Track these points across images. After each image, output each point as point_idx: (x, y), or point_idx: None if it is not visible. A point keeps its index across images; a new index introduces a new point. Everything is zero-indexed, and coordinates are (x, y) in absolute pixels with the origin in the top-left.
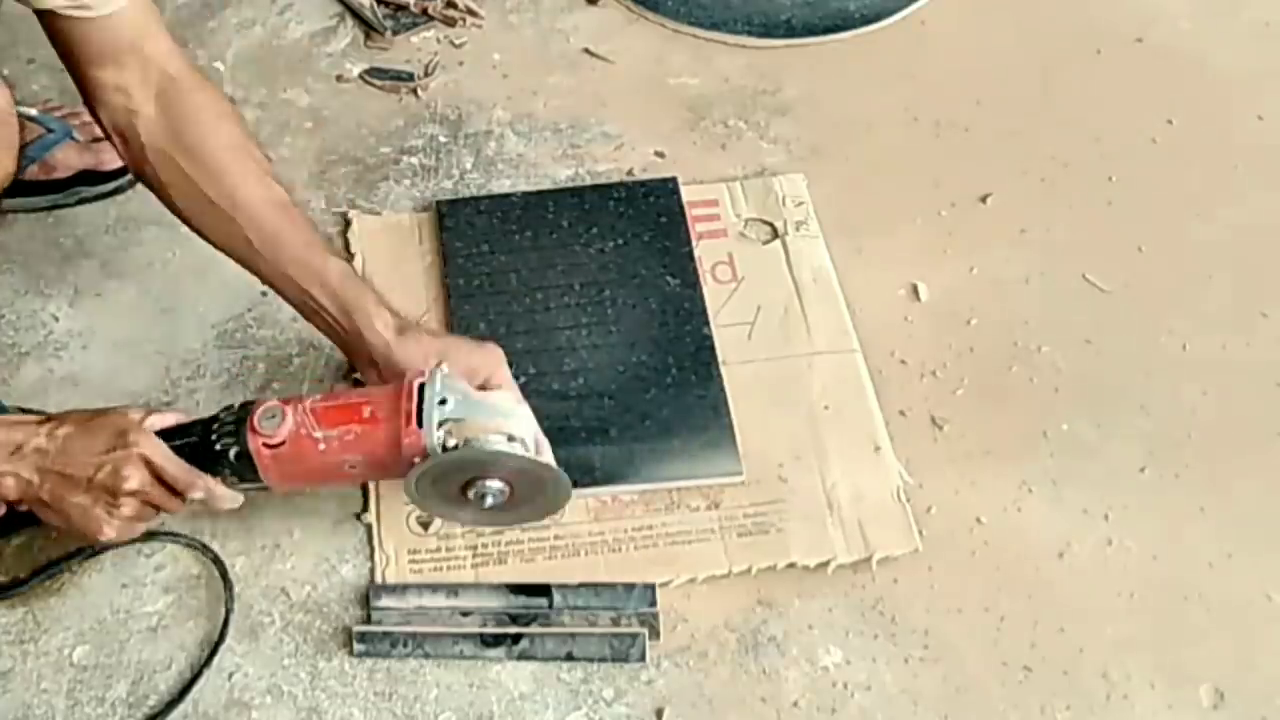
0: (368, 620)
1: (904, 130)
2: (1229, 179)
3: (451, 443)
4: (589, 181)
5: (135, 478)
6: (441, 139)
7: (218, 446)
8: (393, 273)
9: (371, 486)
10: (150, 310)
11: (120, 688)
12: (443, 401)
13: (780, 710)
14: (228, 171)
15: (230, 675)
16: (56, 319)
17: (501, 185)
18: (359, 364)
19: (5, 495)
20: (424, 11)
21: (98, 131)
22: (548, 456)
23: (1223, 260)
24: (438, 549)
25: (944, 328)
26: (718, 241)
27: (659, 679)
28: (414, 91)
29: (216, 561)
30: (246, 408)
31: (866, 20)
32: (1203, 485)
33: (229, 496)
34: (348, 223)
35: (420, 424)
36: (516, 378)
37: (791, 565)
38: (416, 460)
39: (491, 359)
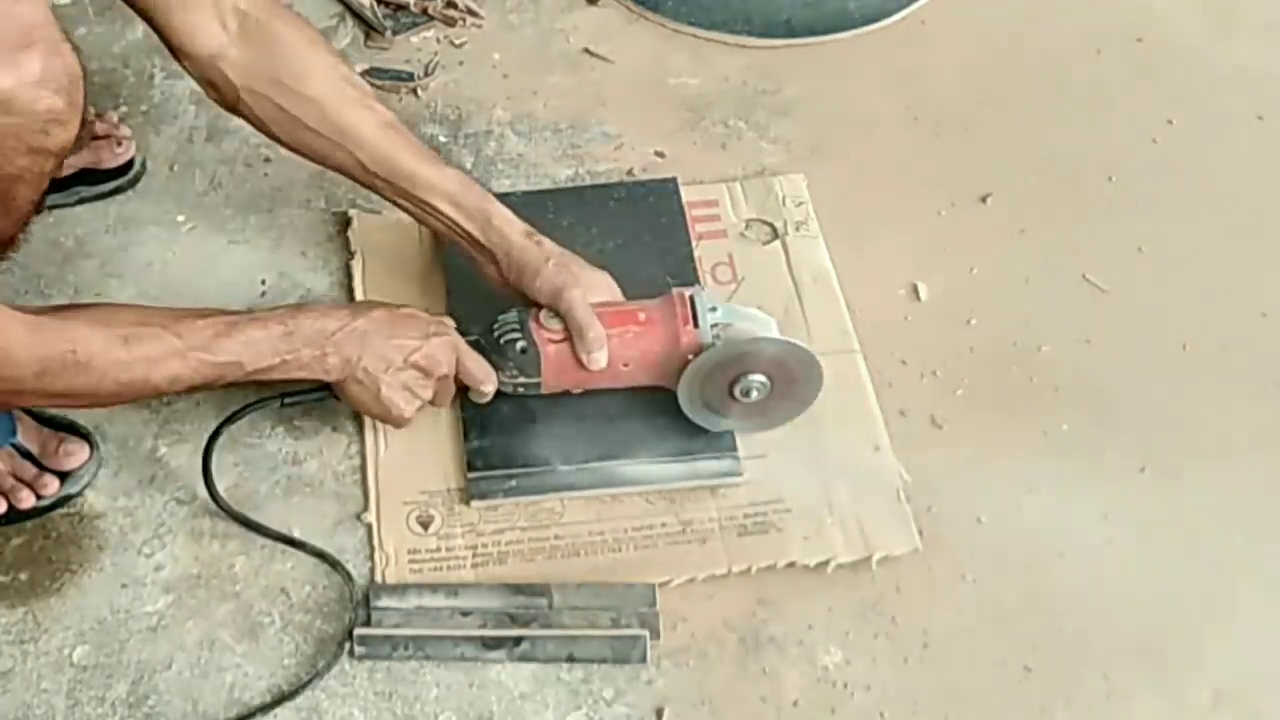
0: (368, 621)
1: (904, 130)
2: (1229, 179)
3: (719, 343)
4: (589, 181)
5: (447, 363)
6: (441, 139)
7: (503, 340)
8: (393, 273)
9: (372, 487)
10: None
11: (120, 688)
12: (713, 309)
13: (780, 710)
14: (327, 101)
15: (230, 676)
16: None
17: (501, 185)
18: (481, 262)
19: (329, 374)
20: (424, 11)
21: (97, 129)
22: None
23: (1223, 260)
24: (438, 549)
25: (944, 328)
26: (718, 242)
27: (659, 679)
28: (414, 91)
29: (348, 579)
30: (526, 310)
31: (866, 20)
32: (1202, 485)
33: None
34: (348, 223)
35: (696, 324)
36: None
37: (791, 565)
38: (691, 358)
39: (607, 281)
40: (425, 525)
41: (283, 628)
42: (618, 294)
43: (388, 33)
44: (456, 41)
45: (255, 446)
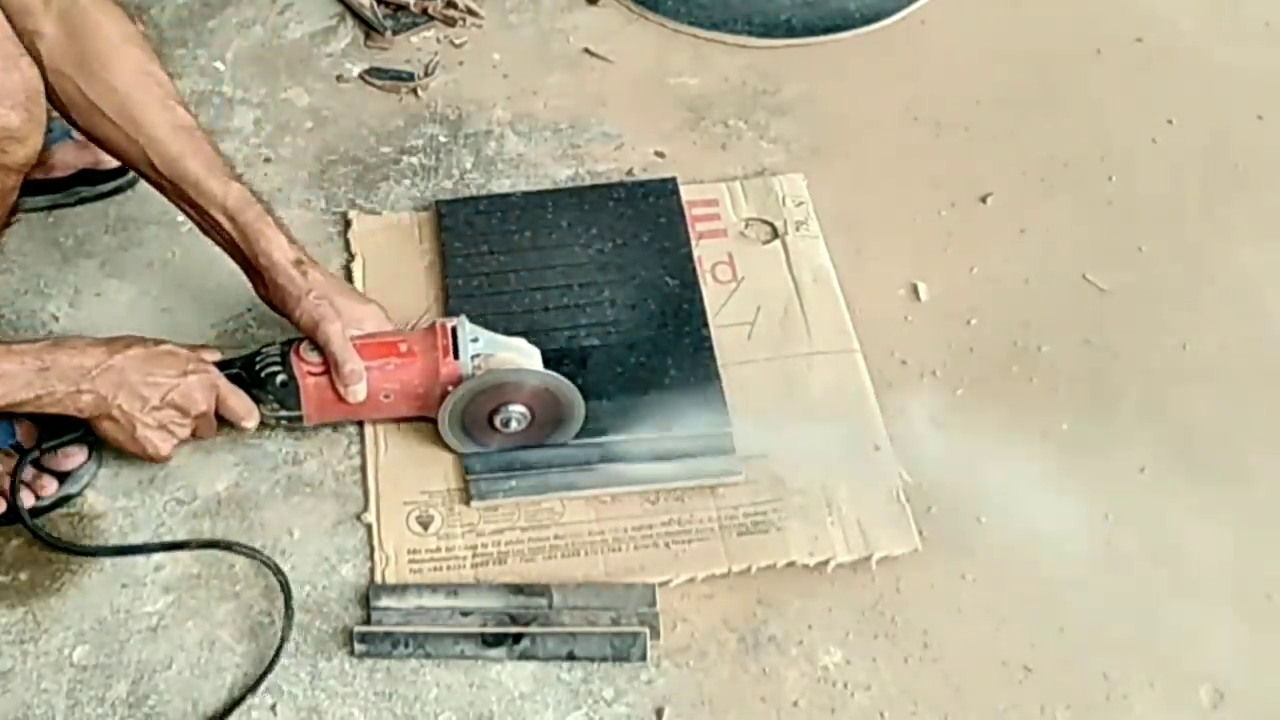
0: (368, 620)
1: (904, 130)
2: (1229, 179)
3: (478, 374)
4: (589, 181)
5: (204, 401)
6: (441, 139)
7: (264, 374)
8: (393, 273)
9: (372, 487)
10: (150, 310)
11: (120, 688)
12: (474, 340)
13: (780, 710)
14: (130, 96)
15: (230, 675)
16: (56, 319)
17: (501, 185)
18: (253, 282)
19: (82, 412)
20: (424, 11)
21: None
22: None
23: (1222, 260)
24: (437, 549)
25: (944, 328)
26: (718, 241)
27: (659, 679)
28: (414, 91)
29: (284, 586)
30: (289, 343)
31: (866, 20)
32: (1203, 485)
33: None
34: (348, 223)
35: (456, 355)
36: None
37: (791, 564)
38: (450, 388)
39: (375, 313)
40: (425, 525)
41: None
42: (386, 326)
43: (388, 33)
44: (456, 41)
45: (255, 446)
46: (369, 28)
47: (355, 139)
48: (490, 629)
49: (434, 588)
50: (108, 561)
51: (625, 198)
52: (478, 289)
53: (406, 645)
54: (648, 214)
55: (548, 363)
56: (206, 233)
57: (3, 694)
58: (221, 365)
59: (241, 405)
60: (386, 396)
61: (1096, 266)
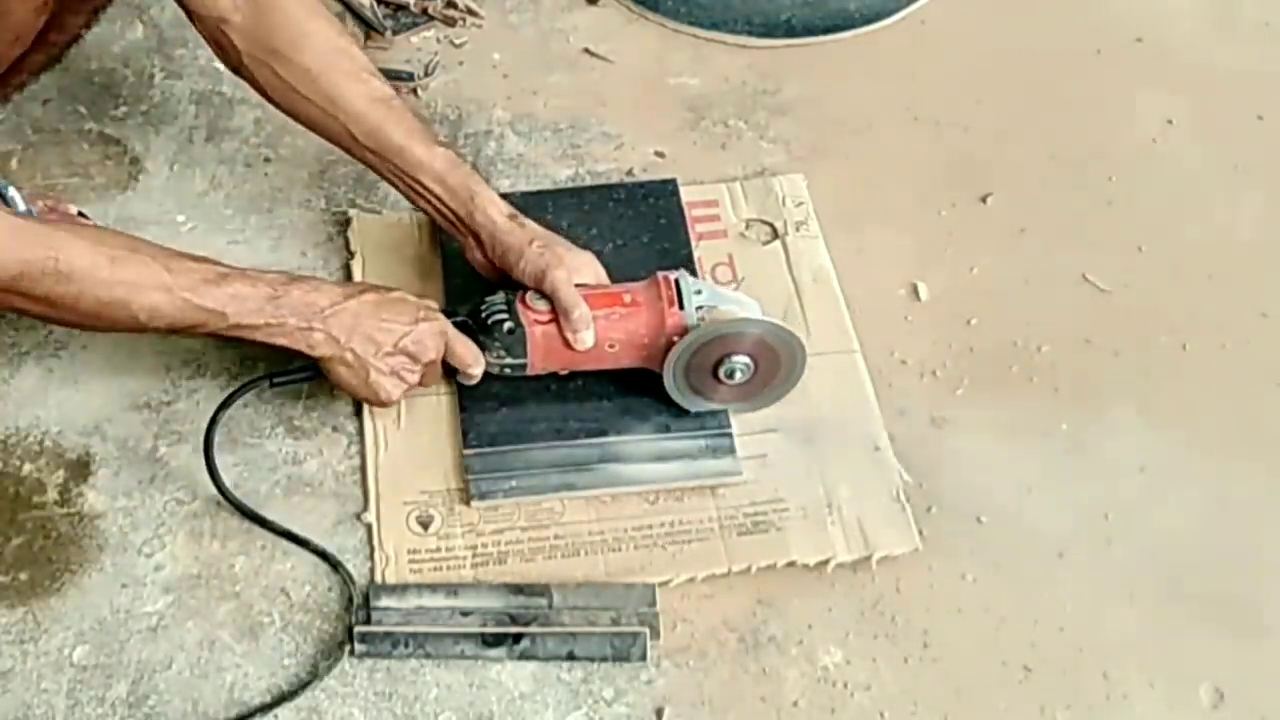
0: (368, 620)
1: (904, 130)
2: (1229, 179)
3: (703, 325)
4: (589, 181)
5: (435, 348)
6: (441, 139)
7: (491, 321)
8: (393, 273)
9: (372, 487)
10: None
11: (120, 688)
12: (698, 292)
13: (780, 710)
14: (324, 73)
15: (230, 675)
16: None
17: (501, 185)
18: (465, 243)
19: (313, 350)
20: (424, 11)
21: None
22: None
23: (1223, 260)
24: (437, 549)
25: (944, 328)
26: (718, 242)
27: (659, 679)
28: (414, 91)
29: (349, 580)
30: (513, 293)
31: (866, 20)
32: (1203, 485)
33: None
34: (348, 222)
35: (681, 306)
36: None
37: (791, 564)
38: (675, 339)
39: (591, 262)
40: (425, 525)
41: (283, 628)
42: (602, 276)
43: (388, 33)
44: (456, 41)
45: (255, 446)
46: (369, 28)
47: None
48: (490, 629)
49: (434, 588)
50: (108, 561)
51: (626, 198)
52: (477, 290)
53: (406, 645)
54: (648, 215)
55: (544, 376)
56: (414, 200)
57: (3, 694)
58: (446, 314)
59: (469, 352)
60: (612, 346)
61: (1096, 266)
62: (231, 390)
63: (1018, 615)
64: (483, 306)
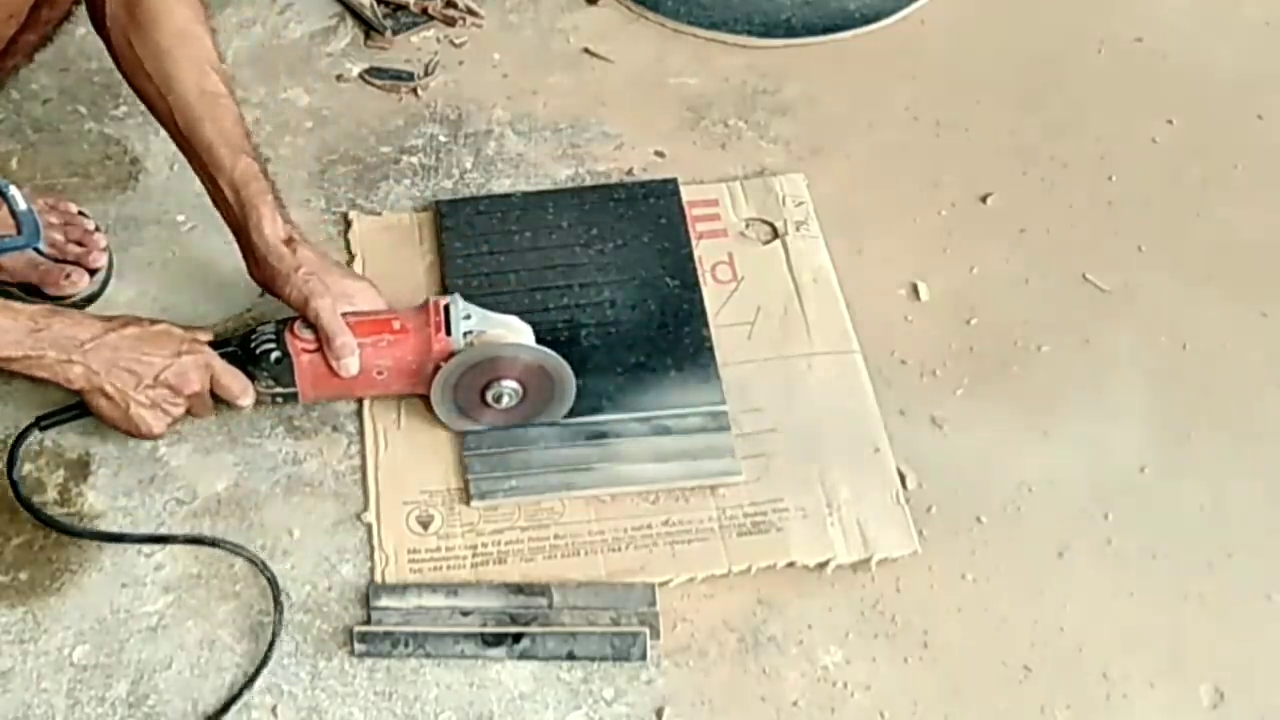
0: (368, 620)
1: (904, 130)
2: (1229, 179)
3: (470, 349)
4: (589, 181)
5: (199, 380)
6: (441, 139)
7: (259, 351)
8: (393, 273)
9: (372, 486)
10: (150, 310)
11: (120, 688)
12: (467, 316)
13: (780, 710)
14: (169, 52)
15: (230, 675)
16: None
17: (501, 185)
18: (245, 257)
19: (71, 384)
20: (424, 11)
21: (72, 251)
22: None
23: (1223, 260)
24: (437, 548)
25: (944, 328)
26: (718, 241)
27: (659, 679)
28: (414, 91)
29: (272, 582)
30: (283, 322)
31: (866, 20)
32: (1203, 485)
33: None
34: (348, 223)
35: (449, 332)
36: None
37: (791, 565)
38: (442, 364)
39: (365, 289)
40: (425, 525)
41: (283, 627)
42: (379, 303)
43: (388, 33)
44: (456, 41)
45: (255, 446)
46: (369, 27)
47: (355, 139)
48: (490, 629)
49: (434, 587)
50: (108, 561)
51: (626, 198)
52: (478, 289)
53: (406, 645)
54: (648, 214)
55: None
56: (215, 204)
57: (3, 694)
58: (216, 344)
59: (236, 383)
60: (380, 373)
61: (1096, 266)
62: (10, 446)
63: (1018, 615)
64: (252, 336)
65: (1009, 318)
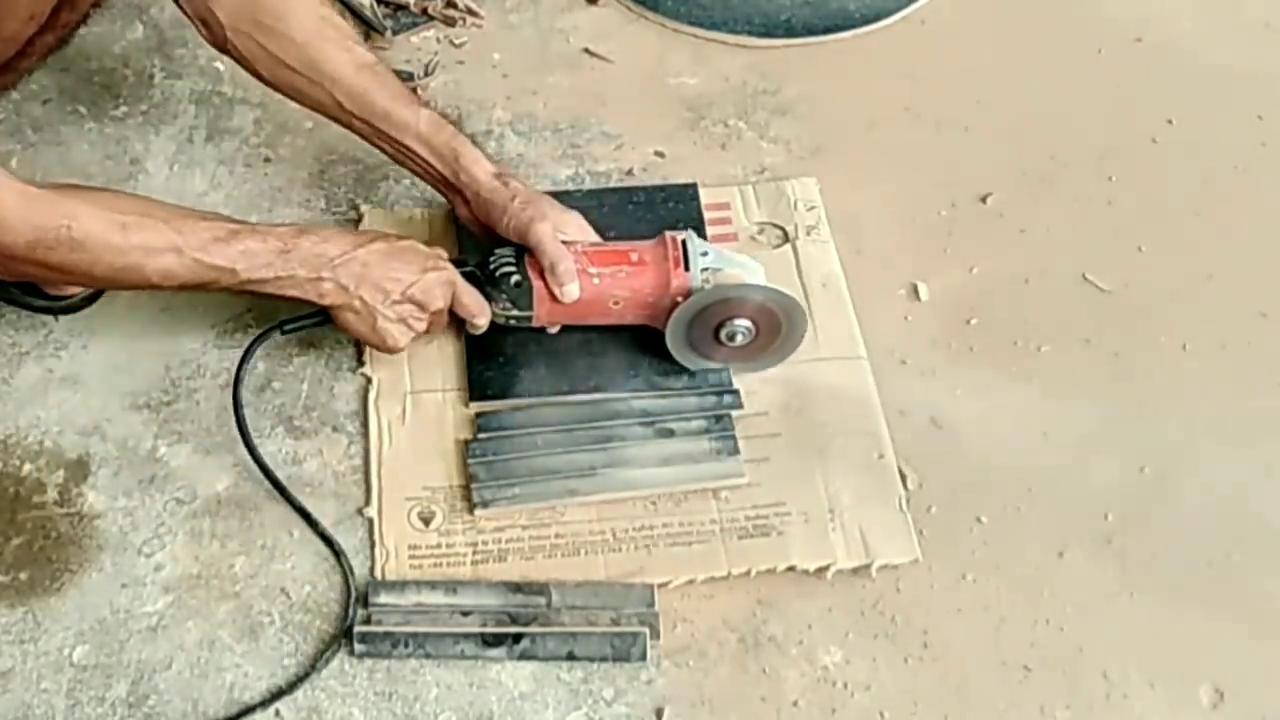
0: (367, 618)
1: (904, 130)
2: (1229, 179)
3: (708, 287)
4: (589, 181)
5: (442, 297)
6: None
7: (499, 274)
8: None
9: (374, 482)
10: (150, 310)
11: (120, 688)
12: (704, 254)
13: (780, 710)
14: (309, 42)
15: (230, 675)
16: (57, 319)
17: None
18: (455, 203)
19: (323, 298)
20: (424, 11)
21: None
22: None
23: (1223, 260)
24: (438, 545)
25: (944, 328)
26: (729, 245)
27: (659, 679)
28: (414, 91)
29: (348, 574)
30: (522, 248)
31: (866, 20)
32: (1203, 485)
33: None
34: (359, 217)
35: (687, 268)
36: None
37: (791, 568)
38: (680, 299)
39: (577, 220)
40: (426, 521)
41: (283, 628)
42: (589, 233)
43: (388, 33)
44: (456, 41)
45: (255, 446)
46: (369, 28)
47: (355, 139)
48: (490, 629)
49: (434, 584)
50: (108, 561)
51: (645, 201)
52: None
53: (406, 645)
54: (666, 219)
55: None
56: (402, 164)
57: (3, 694)
58: (455, 264)
59: (475, 303)
60: (616, 303)
61: (1096, 266)
62: (249, 343)
63: (1018, 615)
64: (491, 258)
65: (1009, 318)
